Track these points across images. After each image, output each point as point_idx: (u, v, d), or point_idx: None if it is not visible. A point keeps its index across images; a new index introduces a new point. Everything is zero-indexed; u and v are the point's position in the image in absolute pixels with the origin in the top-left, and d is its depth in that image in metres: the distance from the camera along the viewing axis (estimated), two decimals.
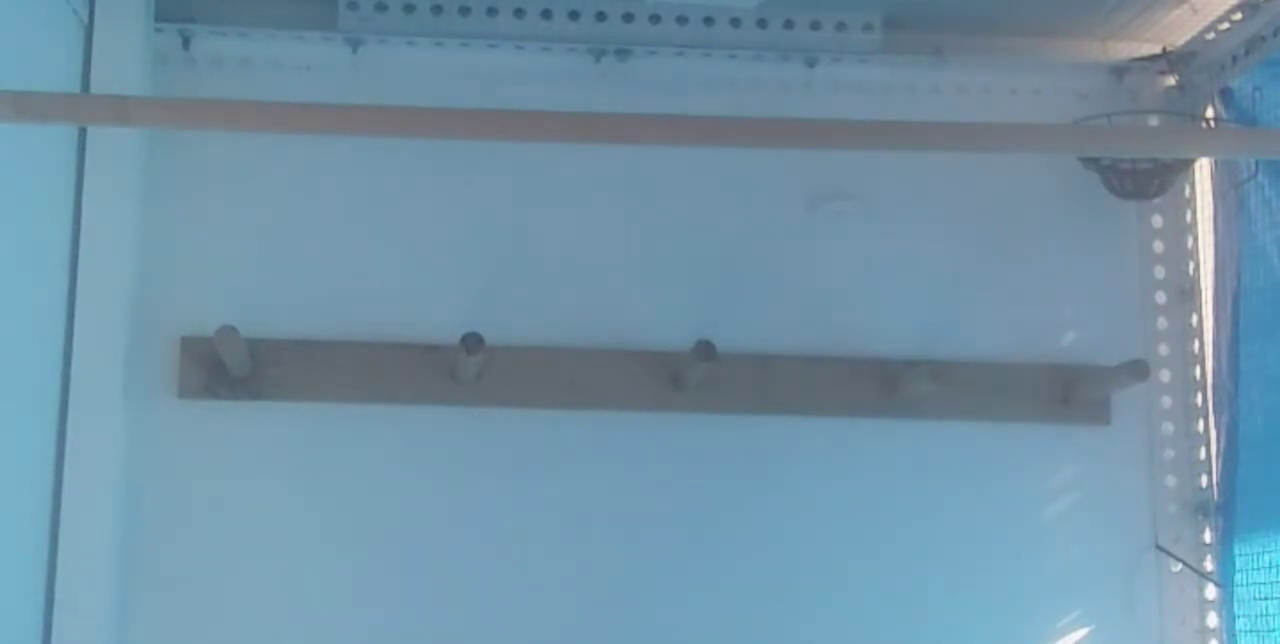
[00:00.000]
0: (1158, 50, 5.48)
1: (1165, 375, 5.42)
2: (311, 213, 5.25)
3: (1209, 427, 5.36)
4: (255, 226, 5.23)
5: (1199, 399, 5.40)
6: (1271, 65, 5.14)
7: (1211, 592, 5.28)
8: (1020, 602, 5.25)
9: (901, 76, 5.42)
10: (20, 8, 4.58)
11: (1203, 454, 5.37)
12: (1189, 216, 5.52)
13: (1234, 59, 5.29)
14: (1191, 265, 5.49)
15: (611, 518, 5.21)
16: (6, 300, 4.52)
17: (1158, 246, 5.51)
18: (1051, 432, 5.34)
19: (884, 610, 5.19)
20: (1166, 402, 5.43)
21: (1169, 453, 5.40)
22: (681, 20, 5.33)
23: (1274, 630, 4.98)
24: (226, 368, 5.04)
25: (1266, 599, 5.03)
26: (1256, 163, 5.11)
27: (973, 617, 5.19)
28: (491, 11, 5.29)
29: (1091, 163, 5.23)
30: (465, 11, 5.29)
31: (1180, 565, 5.30)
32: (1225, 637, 5.18)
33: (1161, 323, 5.47)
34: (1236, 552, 5.16)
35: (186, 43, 5.26)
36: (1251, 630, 5.07)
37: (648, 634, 5.14)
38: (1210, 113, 5.40)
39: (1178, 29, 5.39)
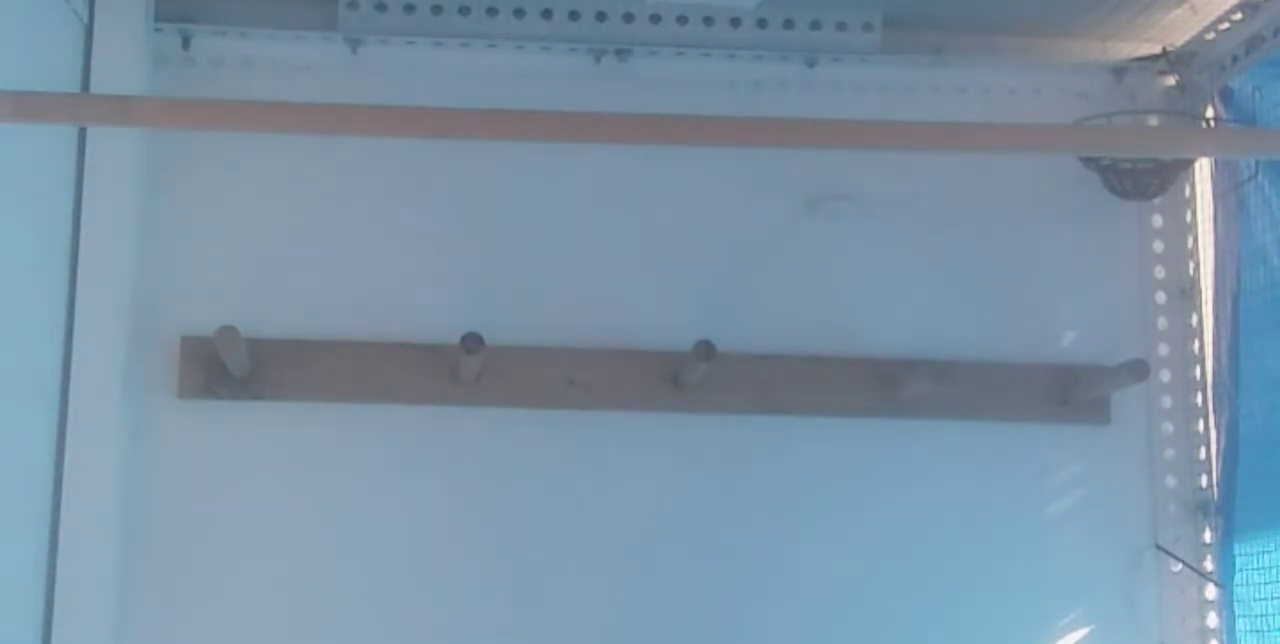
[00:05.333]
0: (1158, 50, 5.48)
1: (1165, 375, 5.42)
2: (311, 213, 5.25)
3: (1209, 427, 5.36)
4: (255, 227, 5.23)
5: (1199, 399, 5.40)
6: (1271, 65, 5.14)
7: (1211, 592, 5.28)
8: (1020, 602, 5.25)
9: (901, 76, 5.43)
10: (20, 8, 4.58)
11: (1203, 454, 5.37)
12: (1189, 216, 5.52)
13: (1234, 59, 5.29)
14: (1191, 265, 5.49)
15: (611, 518, 5.21)
16: (7, 300, 4.52)
17: (1158, 246, 5.51)
18: (1051, 432, 5.34)
19: (884, 610, 5.19)
20: (1166, 402, 5.43)
21: (1169, 453, 5.40)
22: (681, 20, 5.33)
23: (1274, 630, 4.98)
24: (226, 368, 5.04)
25: (1266, 599, 5.03)
26: (1256, 163, 5.11)
27: (973, 616, 5.20)
28: (491, 11, 5.28)
29: (1091, 163, 5.23)
30: (465, 11, 5.28)
31: (1180, 565, 5.30)
32: (1225, 637, 5.18)
33: (1161, 323, 5.47)
34: (1236, 552, 5.16)
35: (186, 43, 5.26)
36: (1251, 630, 5.07)
37: (646, 633, 5.14)
38: (1210, 113, 5.40)
39: (1178, 29, 5.39)
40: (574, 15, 5.30)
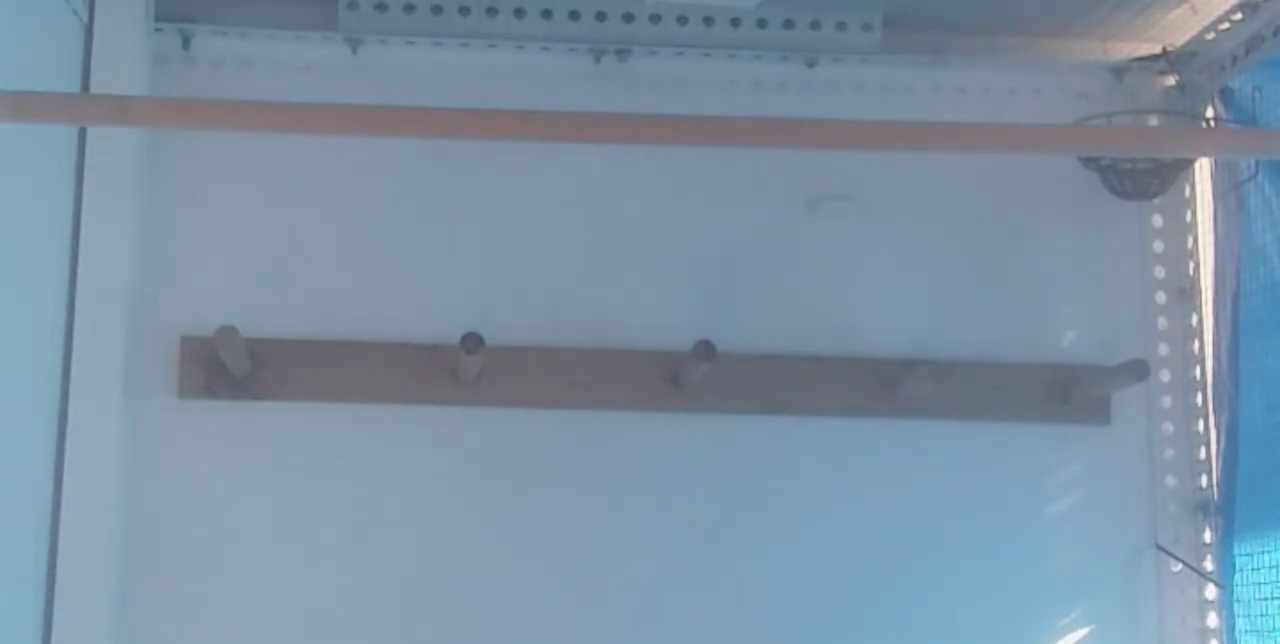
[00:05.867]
0: (1158, 50, 5.48)
1: (1165, 375, 5.41)
2: (311, 212, 5.25)
3: (1209, 427, 5.36)
4: (255, 226, 5.23)
5: (1199, 399, 5.40)
6: (1271, 65, 5.14)
7: (1211, 592, 5.27)
8: (1020, 602, 5.24)
9: (901, 76, 5.42)
10: (20, 8, 4.58)
11: (1203, 454, 5.37)
12: (1189, 216, 5.51)
13: (1234, 59, 5.29)
14: (1191, 265, 5.49)
15: (610, 518, 5.20)
16: (6, 300, 4.52)
17: (1158, 246, 5.51)
18: (1051, 432, 5.34)
19: (883, 610, 5.19)
20: (1166, 402, 5.42)
21: (1169, 453, 5.40)
22: (681, 20, 5.33)
23: (1274, 630, 4.98)
24: (226, 368, 5.04)
25: (1266, 599, 5.03)
26: (1256, 163, 5.11)
27: (972, 616, 5.19)
28: (491, 11, 5.28)
29: (1091, 163, 5.23)
30: (465, 11, 5.28)
31: (1180, 565, 5.29)
32: (1225, 637, 5.18)
33: (1161, 323, 5.47)
34: (1236, 552, 5.16)
35: (186, 43, 5.25)
36: (1251, 630, 5.07)
37: (646, 633, 5.14)
38: (1210, 113, 5.40)
39: (1178, 29, 5.39)
40: (574, 15, 5.30)
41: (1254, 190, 5.17)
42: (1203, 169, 5.47)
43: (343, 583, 5.10)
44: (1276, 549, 5.03)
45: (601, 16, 5.31)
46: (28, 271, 4.72)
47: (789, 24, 5.36)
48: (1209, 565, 5.31)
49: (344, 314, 5.20)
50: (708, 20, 5.34)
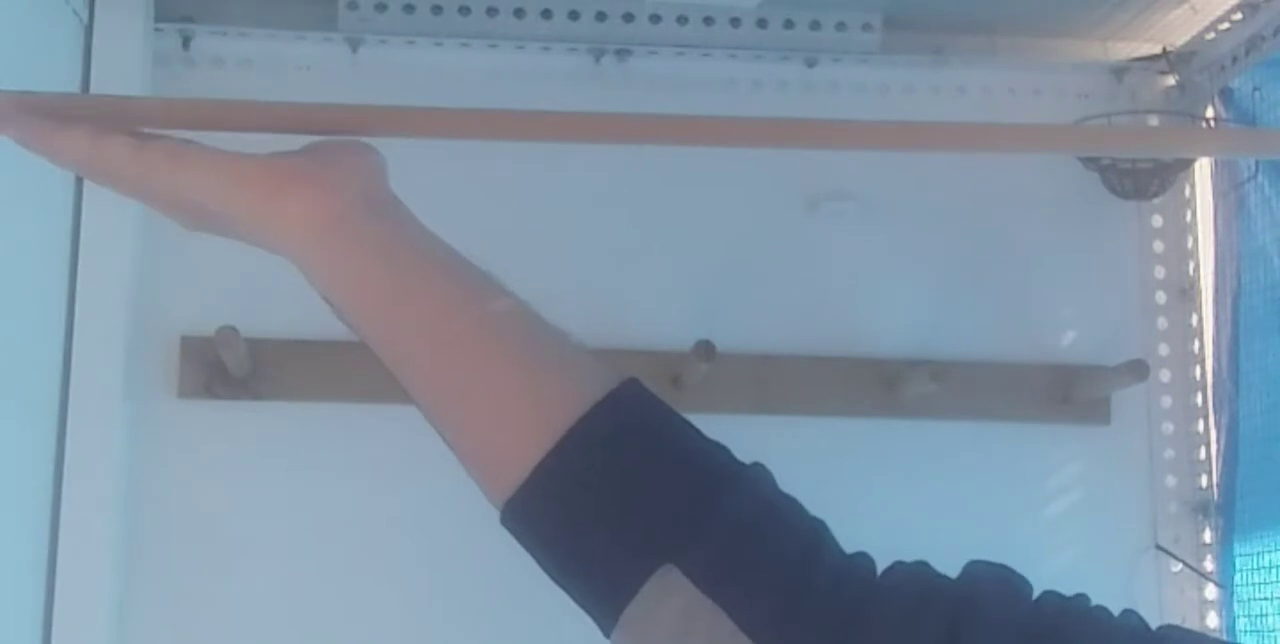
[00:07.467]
0: (1158, 50, 5.48)
1: (1165, 375, 5.41)
2: None
3: (1209, 427, 5.36)
4: None
5: (1199, 399, 5.40)
6: (1271, 65, 5.14)
7: (1211, 592, 5.27)
8: None
9: (901, 76, 5.42)
10: (20, 8, 4.58)
11: (1203, 454, 5.36)
12: (1189, 216, 5.51)
13: (1234, 59, 5.29)
14: (1191, 265, 5.48)
15: None
16: (6, 300, 4.52)
17: (1158, 246, 5.50)
18: (1051, 432, 5.33)
19: None
20: (1166, 402, 5.42)
21: (1169, 453, 5.39)
22: (681, 20, 5.32)
23: (1274, 630, 4.98)
24: (226, 368, 5.03)
25: (1266, 599, 5.04)
26: (1256, 163, 5.11)
27: None
28: (491, 11, 5.27)
29: (1091, 163, 5.23)
30: (465, 11, 5.27)
31: (1180, 565, 5.29)
32: (1225, 637, 5.17)
33: (1161, 323, 5.46)
34: (1236, 552, 5.16)
35: (186, 43, 5.25)
36: (1251, 630, 5.07)
37: None
38: (1210, 113, 5.40)
39: (1178, 29, 5.39)
40: (574, 15, 5.29)
41: (1254, 190, 5.17)
42: (1203, 169, 5.47)
43: (343, 582, 5.09)
44: (1276, 549, 5.03)
45: (601, 16, 5.30)
46: (28, 271, 4.72)
47: (789, 24, 5.35)
48: (1209, 565, 5.30)
49: None
50: (708, 20, 5.33)
